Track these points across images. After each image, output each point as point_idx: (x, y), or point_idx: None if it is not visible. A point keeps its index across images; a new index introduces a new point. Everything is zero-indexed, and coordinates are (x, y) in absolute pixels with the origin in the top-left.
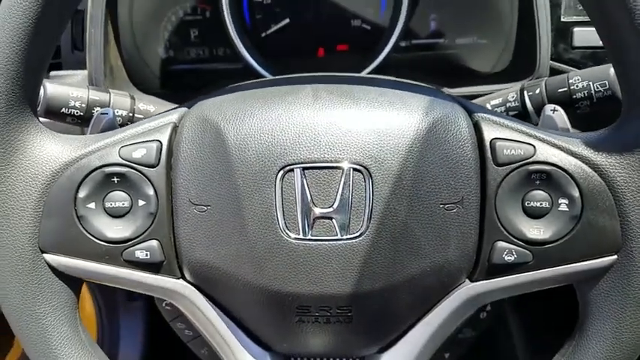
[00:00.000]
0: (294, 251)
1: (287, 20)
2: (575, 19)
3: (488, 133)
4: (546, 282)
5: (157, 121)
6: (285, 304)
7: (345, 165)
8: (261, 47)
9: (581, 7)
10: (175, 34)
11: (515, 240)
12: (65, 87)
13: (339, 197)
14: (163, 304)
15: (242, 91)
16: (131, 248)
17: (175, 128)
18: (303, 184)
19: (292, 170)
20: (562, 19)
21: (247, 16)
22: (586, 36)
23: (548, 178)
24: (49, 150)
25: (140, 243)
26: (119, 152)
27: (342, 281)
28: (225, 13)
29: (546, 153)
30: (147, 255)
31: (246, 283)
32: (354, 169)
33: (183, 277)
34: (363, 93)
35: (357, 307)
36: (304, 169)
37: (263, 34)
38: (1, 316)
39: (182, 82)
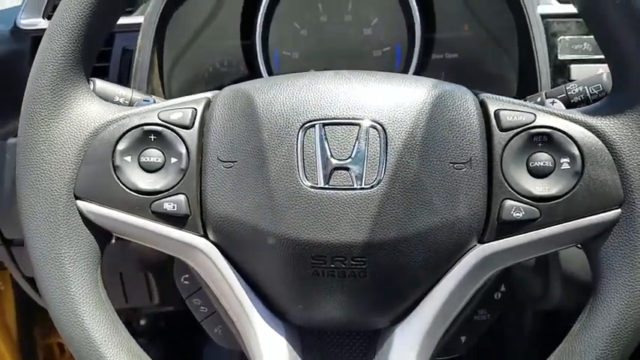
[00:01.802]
0: (312, 199)
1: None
2: (570, 57)
3: (493, 106)
4: (555, 241)
5: (193, 96)
6: (301, 254)
7: (362, 122)
8: None
9: (576, 47)
10: (211, 82)
11: (523, 198)
12: (113, 85)
13: (355, 150)
14: (182, 279)
15: None
16: (160, 200)
17: (209, 102)
18: (322, 138)
19: (313, 126)
20: (559, 57)
21: (277, 68)
22: (582, 70)
23: (549, 141)
24: (96, 108)
25: (169, 196)
26: (158, 115)
27: (356, 229)
28: (260, 63)
29: (546, 119)
30: (174, 207)
31: (265, 234)
32: (371, 127)
33: (205, 236)
34: (380, 74)
35: (370, 259)
36: (324, 124)
37: None
38: None
39: None
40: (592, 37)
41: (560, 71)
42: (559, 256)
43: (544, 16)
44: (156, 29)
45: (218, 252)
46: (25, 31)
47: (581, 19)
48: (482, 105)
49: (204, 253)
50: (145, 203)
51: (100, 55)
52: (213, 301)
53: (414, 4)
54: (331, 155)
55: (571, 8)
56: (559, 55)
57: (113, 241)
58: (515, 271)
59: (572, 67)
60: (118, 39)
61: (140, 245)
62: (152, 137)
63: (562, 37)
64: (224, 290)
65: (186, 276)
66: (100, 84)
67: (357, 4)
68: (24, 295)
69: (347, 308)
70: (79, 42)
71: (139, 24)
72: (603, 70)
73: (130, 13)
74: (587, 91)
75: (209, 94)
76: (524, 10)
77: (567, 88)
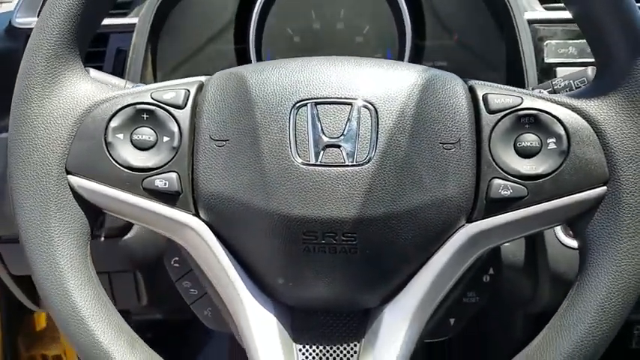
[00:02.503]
0: (304, 176)
1: None
2: (556, 60)
3: (481, 90)
4: (542, 220)
5: (186, 79)
6: (292, 230)
7: (354, 102)
8: None
9: (561, 51)
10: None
11: (511, 176)
12: (106, 75)
13: (347, 128)
14: (172, 262)
15: None
16: (151, 177)
17: (202, 85)
18: (314, 116)
19: (305, 105)
20: (546, 61)
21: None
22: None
23: (535, 122)
24: (90, 87)
25: (160, 174)
26: (151, 95)
27: (347, 205)
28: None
29: (532, 102)
30: (165, 184)
31: (256, 211)
32: (363, 106)
33: (197, 215)
34: (372, 59)
35: (361, 235)
36: (316, 103)
37: None
38: None
39: None
40: (577, 41)
41: (547, 74)
42: (548, 256)
43: (530, 22)
44: (150, 28)
45: (209, 230)
46: (21, 29)
47: (566, 25)
48: (471, 90)
49: (195, 231)
50: (136, 180)
51: (94, 56)
52: (204, 281)
53: (406, 12)
54: (323, 133)
55: (556, 14)
56: (545, 58)
57: (102, 239)
58: (504, 273)
59: (558, 70)
60: (112, 39)
61: (128, 244)
62: (145, 116)
63: (548, 41)
64: (215, 269)
65: (177, 258)
66: (94, 73)
67: (349, 12)
68: (9, 304)
69: (337, 286)
70: (74, 21)
71: (134, 24)
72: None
73: (124, 15)
74: (573, 85)
75: (202, 78)
76: (512, 15)
77: (554, 82)
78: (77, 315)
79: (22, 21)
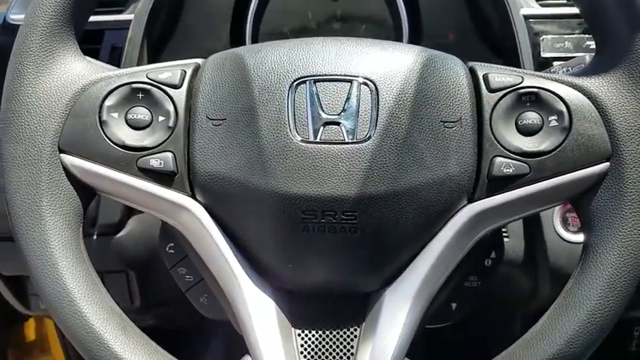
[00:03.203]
0: (303, 154)
1: None
2: (553, 55)
3: (481, 71)
4: (545, 198)
5: (183, 60)
6: (291, 209)
7: (354, 79)
8: None
9: (557, 46)
10: None
11: (513, 154)
12: (102, 63)
13: (347, 105)
14: (167, 248)
15: None
16: (146, 157)
17: (198, 66)
18: (313, 94)
19: (304, 82)
20: (542, 55)
21: None
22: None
23: (537, 100)
24: (85, 66)
25: (156, 153)
26: (147, 74)
27: (347, 183)
28: None
29: (533, 80)
30: (161, 164)
31: (254, 190)
32: (362, 84)
33: (193, 196)
34: (372, 39)
35: (361, 214)
36: (315, 81)
37: None
38: None
39: None
40: (573, 36)
41: (544, 68)
42: (547, 251)
43: (527, 17)
44: (146, 25)
45: (206, 212)
46: (16, 25)
47: (562, 20)
48: (471, 71)
49: (191, 213)
50: (130, 159)
51: (89, 52)
52: (200, 266)
53: (404, 12)
54: (322, 110)
55: (552, 10)
56: (542, 53)
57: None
58: (503, 270)
59: (555, 64)
60: (107, 36)
61: (121, 242)
62: (140, 95)
63: (544, 36)
64: (211, 252)
65: (172, 244)
66: (90, 60)
67: (345, 11)
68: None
69: (337, 267)
70: (70, 1)
71: (129, 21)
72: None
73: (120, 11)
74: (571, 70)
75: (199, 60)
76: (509, 11)
77: (552, 70)
78: (68, 296)
79: (17, 17)
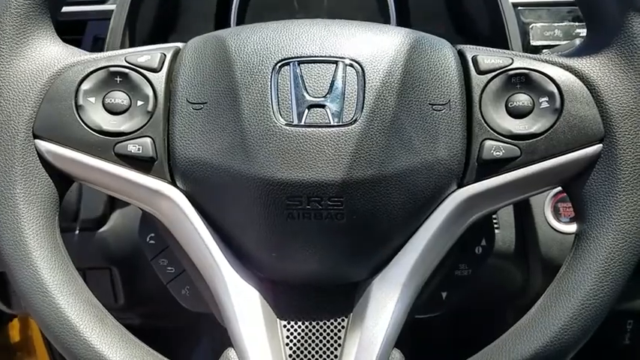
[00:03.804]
0: (287, 137)
1: None
2: (542, 43)
3: (470, 53)
4: (536, 182)
5: (163, 45)
6: (275, 195)
7: (340, 60)
8: None
9: (547, 34)
10: None
11: (503, 137)
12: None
13: (332, 87)
14: (147, 239)
15: None
16: (124, 142)
17: (178, 50)
18: (297, 75)
19: (288, 64)
20: (532, 44)
21: None
22: None
23: (527, 81)
24: (61, 49)
25: (134, 139)
26: (125, 58)
27: (333, 167)
28: None
29: (523, 62)
30: (139, 149)
31: (237, 176)
32: (349, 65)
33: (173, 183)
34: (358, 22)
35: (348, 200)
36: (299, 62)
37: None
38: None
39: None
40: (562, 24)
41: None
42: (538, 242)
43: (515, 5)
44: (127, 16)
45: (186, 200)
46: None
47: (551, 8)
48: (460, 53)
49: (171, 201)
50: (107, 144)
51: (71, 43)
52: (181, 257)
53: (391, 1)
54: (307, 92)
55: None
56: (531, 41)
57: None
58: (493, 262)
59: (544, 52)
60: (89, 27)
61: (104, 237)
62: (118, 79)
63: (534, 24)
64: (193, 242)
65: (152, 235)
66: (67, 45)
67: (332, 2)
68: None
69: (323, 255)
70: None
71: (111, 11)
72: None
73: (102, 2)
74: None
75: (179, 44)
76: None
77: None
78: (42, 287)
79: None
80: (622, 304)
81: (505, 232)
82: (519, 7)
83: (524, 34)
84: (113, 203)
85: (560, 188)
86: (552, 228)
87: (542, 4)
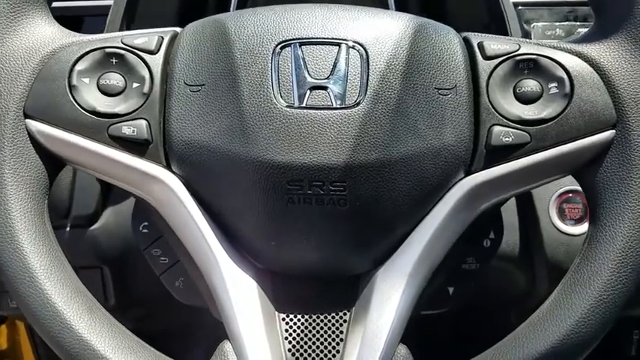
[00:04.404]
0: (288, 120)
1: None
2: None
3: (476, 39)
4: (546, 170)
5: (161, 28)
6: (276, 178)
7: (343, 42)
8: None
9: (548, 33)
10: None
11: (512, 123)
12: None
13: (335, 69)
14: (140, 228)
15: None
16: (118, 124)
17: (177, 34)
18: (298, 56)
19: (290, 45)
20: None
21: None
22: None
23: (535, 67)
24: (56, 30)
25: (128, 120)
26: (121, 40)
27: (335, 150)
28: None
29: (530, 47)
30: (134, 132)
31: (235, 159)
32: (352, 47)
33: (168, 167)
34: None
35: (351, 185)
36: (301, 44)
37: None
38: None
39: None
40: (564, 23)
41: None
42: (544, 243)
43: (517, 4)
44: (125, 11)
45: (182, 185)
46: None
47: (552, 7)
48: (465, 40)
49: (166, 186)
50: (101, 126)
51: None
52: (175, 246)
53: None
54: (308, 74)
55: None
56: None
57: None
58: (497, 265)
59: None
60: (86, 23)
61: (95, 234)
62: (113, 60)
63: (535, 23)
64: (188, 229)
65: (146, 224)
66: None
67: None
68: None
69: (325, 244)
70: None
71: (108, 7)
72: None
73: None
74: None
75: (177, 28)
76: None
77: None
78: (28, 272)
79: None
80: (628, 310)
81: (509, 234)
82: (520, 7)
83: (526, 33)
84: (105, 200)
85: (565, 189)
86: (558, 230)
87: (543, 3)
